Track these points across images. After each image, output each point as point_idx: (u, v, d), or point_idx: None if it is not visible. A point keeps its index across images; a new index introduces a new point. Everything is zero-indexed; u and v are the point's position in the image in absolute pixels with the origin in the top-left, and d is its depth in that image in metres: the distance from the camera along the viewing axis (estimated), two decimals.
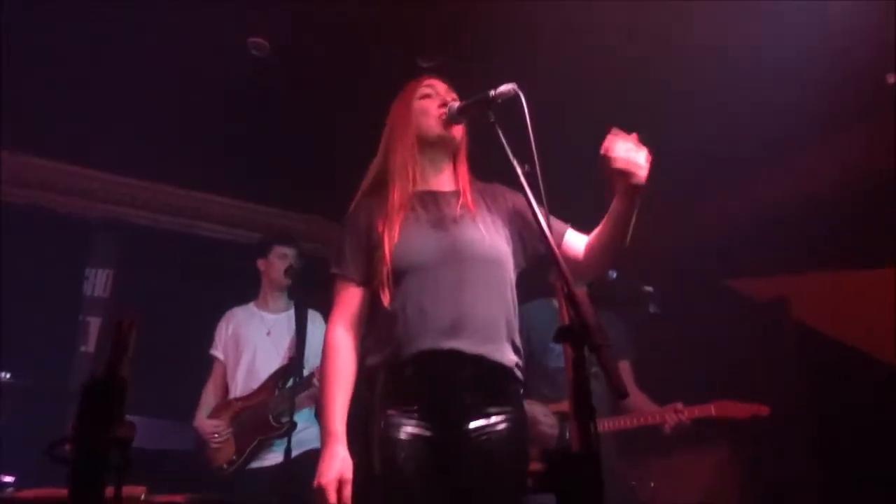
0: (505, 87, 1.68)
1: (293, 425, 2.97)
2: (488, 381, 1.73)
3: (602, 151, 1.65)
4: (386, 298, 1.75)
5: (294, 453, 2.94)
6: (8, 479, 2.68)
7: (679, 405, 2.99)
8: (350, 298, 1.84)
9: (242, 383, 3.27)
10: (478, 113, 1.80)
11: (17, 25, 2.98)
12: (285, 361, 3.24)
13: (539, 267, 1.96)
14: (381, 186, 1.91)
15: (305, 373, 3.14)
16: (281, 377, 3.19)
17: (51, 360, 3.67)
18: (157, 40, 3.12)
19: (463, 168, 1.97)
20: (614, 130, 1.65)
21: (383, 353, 1.76)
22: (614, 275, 3.33)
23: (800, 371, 3.87)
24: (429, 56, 3.11)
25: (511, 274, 1.86)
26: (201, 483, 3.03)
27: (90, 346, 3.96)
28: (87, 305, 4.10)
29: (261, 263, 3.50)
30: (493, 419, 1.72)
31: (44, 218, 4.01)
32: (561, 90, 3.19)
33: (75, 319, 4.03)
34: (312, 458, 1.75)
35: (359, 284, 1.84)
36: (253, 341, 3.33)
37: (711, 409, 2.93)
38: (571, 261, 1.83)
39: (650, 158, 1.65)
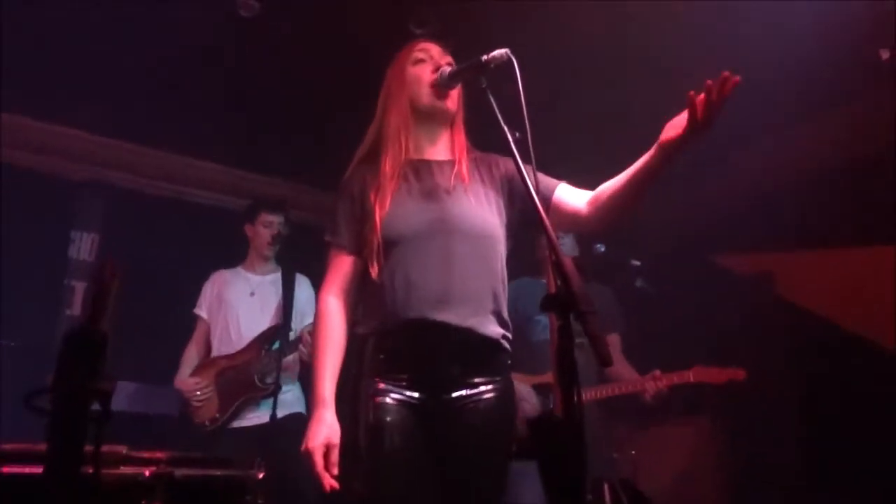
0: (498, 52, 1.65)
1: (278, 387, 2.99)
2: (475, 354, 1.74)
3: (707, 86, 1.50)
4: (375, 269, 1.75)
5: (279, 415, 2.97)
6: None
7: (657, 372, 3.02)
8: (342, 266, 1.85)
9: (225, 342, 3.27)
10: (470, 78, 1.78)
11: None
12: (271, 323, 3.24)
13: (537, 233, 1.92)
14: (377, 154, 1.89)
15: (292, 336, 3.15)
16: (268, 338, 3.19)
17: (36, 323, 3.64)
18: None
19: (459, 136, 1.95)
20: (728, 73, 1.49)
21: (372, 323, 1.78)
22: (602, 248, 3.33)
23: (784, 345, 3.92)
24: (421, 20, 3.07)
25: (502, 247, 1.85)
26: (184, 444, 3.04)
27: (75, 309, 3.93)
28: (72, 269, 4.06)
29: (248, 229, 3.49)
30: (481, 388, 1.73)
31: (30, 180, 3.95)
32: (555, 65, 3.16)
33: (61, 283, 3.99)
34: (297, 422, 1.76)
35: (350, 253, 1.85)
36: (237, 301, 3.33)
37: (689, 376, 2.97)
38: (570, 214, 1.81)
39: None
